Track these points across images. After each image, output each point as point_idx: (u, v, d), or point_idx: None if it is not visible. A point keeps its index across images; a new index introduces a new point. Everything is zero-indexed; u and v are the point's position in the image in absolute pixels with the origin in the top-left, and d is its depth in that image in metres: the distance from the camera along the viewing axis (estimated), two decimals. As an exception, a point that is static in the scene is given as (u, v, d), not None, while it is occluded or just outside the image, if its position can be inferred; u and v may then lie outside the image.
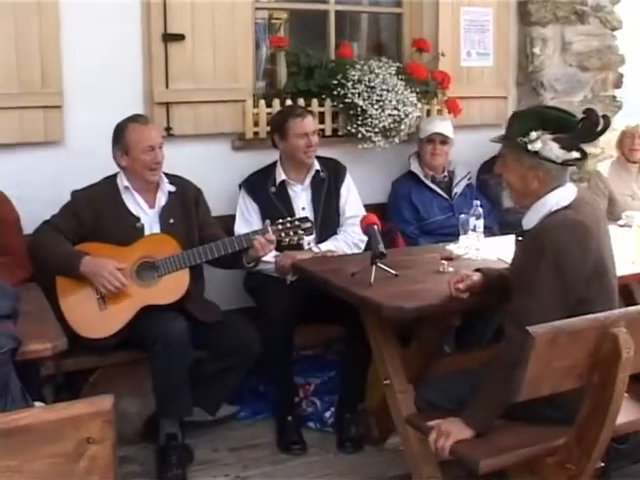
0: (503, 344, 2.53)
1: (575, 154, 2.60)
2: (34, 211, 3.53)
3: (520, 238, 2.76)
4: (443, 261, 3.38)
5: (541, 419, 2.63)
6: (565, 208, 2.62)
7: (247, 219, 3.90)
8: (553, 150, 2.58)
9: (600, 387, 2.38)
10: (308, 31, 4.76)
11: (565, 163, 2.63)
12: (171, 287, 3.40)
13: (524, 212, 4.39)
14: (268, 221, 3.53)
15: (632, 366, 2.36)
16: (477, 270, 3.00)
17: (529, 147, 2.60)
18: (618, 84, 5.13)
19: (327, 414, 3.87)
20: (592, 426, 2.42)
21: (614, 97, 5.10)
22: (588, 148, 2.65)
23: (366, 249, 3.95)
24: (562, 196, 2.64)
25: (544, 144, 2.58)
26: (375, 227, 3.32)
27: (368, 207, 4.13)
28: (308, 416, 3.88)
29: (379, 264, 3.19)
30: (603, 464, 2.75)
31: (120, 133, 3.49)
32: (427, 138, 4.30)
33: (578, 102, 4.91)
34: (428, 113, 4.54)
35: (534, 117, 2.70)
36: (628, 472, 3.37)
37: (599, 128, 2.58)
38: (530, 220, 2.71)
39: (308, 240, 3.85)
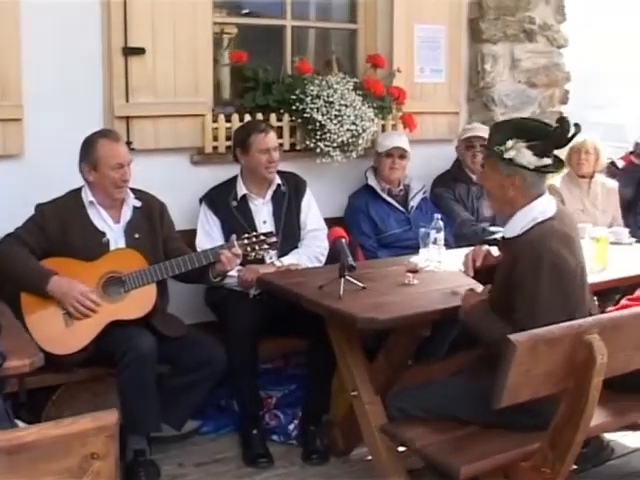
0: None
1: (547, 160, 2.71)
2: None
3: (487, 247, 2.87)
4: (408, 273, 3.45)
5: (515, 426, 2.71)
6: (551, 219, 2.71)
7: (209, 233, 3.90)
8: (526, 157, 2.69)
9: (576, 392, 2.46)
10: (258, 46, 4.77)
11: (538, 170, 2.72)
12: (138, 302, 3.38)
13: (478, 225, 4.54)
14: (234, 235, 3.55)
15: (606, 371, 2.45)
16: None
17: (504, 155, 2.69)
18: (564, 100, 5.30)
19: (291, 427, 3.88)
20: (567, 430, 2.51)
21: (561, 113, 5.25)
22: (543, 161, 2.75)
23: (328, 262, 4.01)
24: (547, 207, 2.74)
25: (517, 151, 2.68)
26: (343, 240, 3.37)
27: (326, 221, 4.18)
28: (272, 429, 3.88)
29: (347, 277, 3.23)
30: (576, 467, 2.84)
31: (89, 148, 3.45)
32: (386, 152, 4.36)
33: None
34: (383, 128, 4.62)
35: (510, 127, 2.83)
36: (590, 475, 3.48)
37: (570, 134, 2.69)
38: (513, 229, 2.79)
39: (270, 254, 3.88)
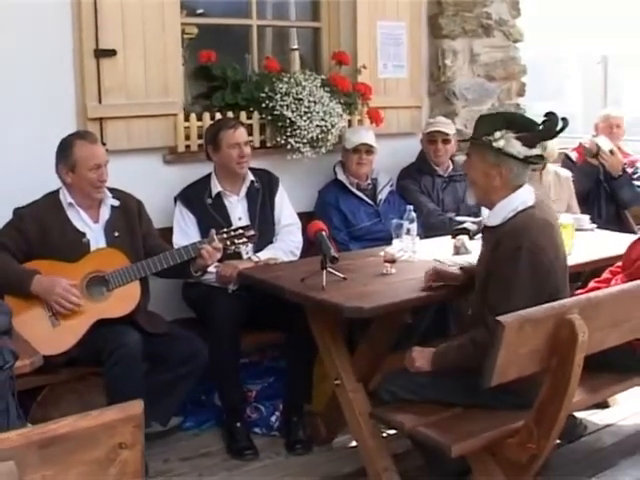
0: (481, 330, 2.72)
1: (536, 151, 2.83)
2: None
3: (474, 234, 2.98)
4: (386, 263, 3.55)
5: (499, 406, 2.84)
6: (531, 207, 2.85)
7: (185, 231, 3.95)
8: (516, 147, 2.81)
9: (559, 369, 2.59)
10: (218, 46, 4.80)
11: (527, 159, 2.84)
12: (123, 300, 3.42)
13: (445, 215, 4.66)
14: (213, 230, 3.60)
15: (587, 349, 2.59)
16: (460, 268, 3.24)
17: (493, 144, 2.81)
18: (521, 92, 5.45)
19: (273, 418, 3.96)
20: (551, 406, 2.63)
21: (518, 105, 5.41)
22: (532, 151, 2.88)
23: (303, 255, 4.10)
24: (528, 196, 2.86)
25: (507, 141, 2.80)
26: (324, 233, 3.45)
27: (297, 215, 4.26)
28: (254, 422, 3.95)
29: (329, 269, 3.32)
30: (559, 441, 2.98)
31: (67, 149, 3.47)
32: (354, 148, 4.45)
33: (487, 110, 5.20)
34: (350, 123, 4.71)
35: (499, 118, 2.94)
36: (564, 451, 3.63)
37: (558, 128, 2.82)
38: (495, 218, 2.91)
39: (246, 250, 3.95)
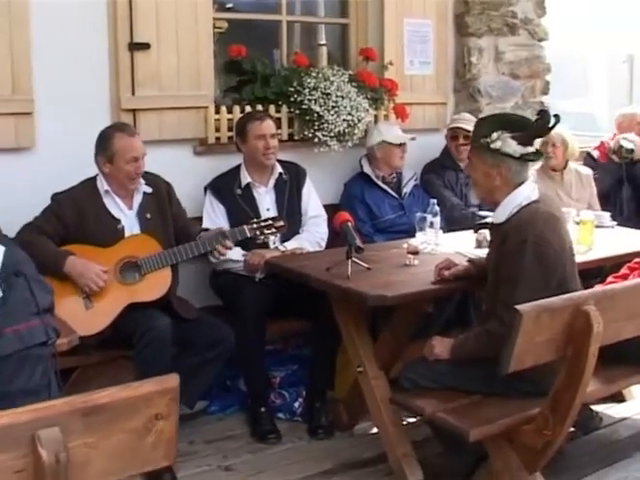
0: (495, 323, 2.82)
1: (531, 149, 2.95)
2: (8, 216, 3.59)
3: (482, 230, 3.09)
4: (409, 255, 3.64)
5: (516, 394, 2.93)
6: (535, 202, 2.93)
7: (214, 220, 4.05)
8: (512, 146, 2.92)
9: (574, 358, 2.67)
10: (247, 41, 4.92)
11: (523, 157, 2.94)
12: (155, 285, 3.54)
13: (468, 209, 4.75)
14: (245, 226, 3.73)
15: (601, 339, 2.67)
16: (469, 261, 3.32)
17: (491, 146, 2.92)
18: (545, 91, 5.52)
19: (296, 404, 4.06)
20: (566, 394, 2.72)
21: (542, 103, 5.48)
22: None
23: (328, 247, 4.21)
24: (530, 192, 2.98)
25: (503, 142, 2.92)
26: (349, 224, 3.55)
27: (323, 207, 4.37)
28: (278, 407, 4.06)
29: (354, 258, 3.42)
30: (574, 429, 3.07)
31: (106, 141, 3.58)
32: (399, 143, 4.58)
33: (510, 107, 5.29)
34: (376, 119, 4.81)
35: (494, 120, 3.07)
36: (579, 442, 3.72)
37: (551, 124, 2.92)
38: (500, 215, 3.02)
39: (274, 240, 4.05)
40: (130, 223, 3.67)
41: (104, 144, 3.59)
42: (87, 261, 3.46)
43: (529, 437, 2.83)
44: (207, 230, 3.80)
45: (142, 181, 3.71)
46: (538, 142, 5.05)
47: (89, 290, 3.44)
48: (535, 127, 2.99)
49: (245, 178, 4.12)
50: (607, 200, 5.32)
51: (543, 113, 3.00)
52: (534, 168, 5.17)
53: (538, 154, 3.06)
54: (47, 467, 1.68)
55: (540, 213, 2.92)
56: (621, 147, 5.41)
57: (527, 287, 2.82)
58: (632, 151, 5.38)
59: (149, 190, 3.73)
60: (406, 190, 4.68)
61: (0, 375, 1.98)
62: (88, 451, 1.79)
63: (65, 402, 1.74)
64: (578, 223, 4.07)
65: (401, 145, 4.60)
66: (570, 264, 2.98)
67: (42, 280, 2.19)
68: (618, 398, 4.15)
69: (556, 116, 2.98)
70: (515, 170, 2.99)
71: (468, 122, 4.87)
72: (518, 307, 2.53)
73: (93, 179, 3.68)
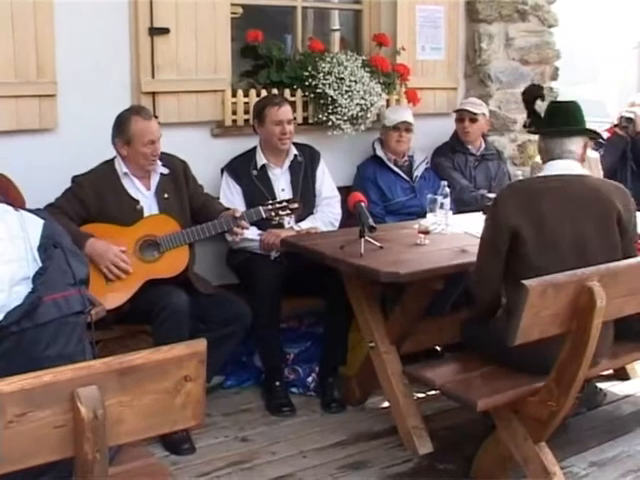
0: None
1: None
2: (30, 195, 3.72)
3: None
4: (420, 234, 3.76)
5: (523, 368, 3.04)
6: (545, 177, 3.07)
7: (231, 200, 4.17)
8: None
9: (579, 332, 2.78)
10: (262, 25, 5.02)
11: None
12: (172, 262, 3.67)
13: (477, 191, 4.85)
14: (260, 207, 3.86)
15: (604, 314, 2.79)
16: None
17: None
18: (554, 76, 5.61)
19: (309, 379, 4.19)
20: (571, 366, 2.82)
21: (551, 89, 5.58)
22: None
23: (342, 225, 4.33)
24: (554, 169, 3.08)
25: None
26: (363, 204, 3.68)
27: (337, 189, 4.49)
28: (291, 382, 4.19)
29: (367, 237, 3.54)
30: (579, 404, 3.18)
31: (123, 124, 3.70)
32: (394, 126, 4.66)
33: (520, 92, 5.38)
34: (388, 103, 4.91)
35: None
36: (583, 418, 3.84)
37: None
38: None
39: (288, 220, 4.18)
40: (149, 203, 3.79)
41: (121, 127, 3.70)
42: (106, 242, 3.57)
43: (534, 408, 2.95)
44: (229, 209, 3.91)
45: (159, 162, 3.83)
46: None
47: (108, 273, 3.55)
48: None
49: (261, 159, 4.24)
50: (613, 179, 5.42)
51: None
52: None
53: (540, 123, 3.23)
54: (86, 423, 1.80)
55: (514, 185, 3.11)
56: (622, 117, 5.59)
57: (480, 251, 3.12)
58: (631, 120, 5.54)
59: (166, 171, 3.84)
60: (417, 173, 4.78)
61: (38, 341, 2.08)
62: (123, 409, 1.92)
63: (103, 363, 1.87)
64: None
65: (397, 129, 4.67)
66: (546, 249, 3.00)
67: (78, 252, 2.29)
68: (622, 376, 4.28)
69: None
70: (543, 146, 3.19)
71: (474, 105, 4.98)
72: (525, 282, 2.64)
73: (111, 161, 3.79)
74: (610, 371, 4.09)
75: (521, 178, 3.15)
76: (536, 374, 2.99)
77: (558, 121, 3.14)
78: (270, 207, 3.86)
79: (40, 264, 2.11)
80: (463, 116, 4.98)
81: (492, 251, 3.06)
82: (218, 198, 4.18)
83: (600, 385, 4.06)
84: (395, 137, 4.67)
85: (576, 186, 3.09)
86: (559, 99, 3.19)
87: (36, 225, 2.19)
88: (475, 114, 4.93)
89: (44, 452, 1.82)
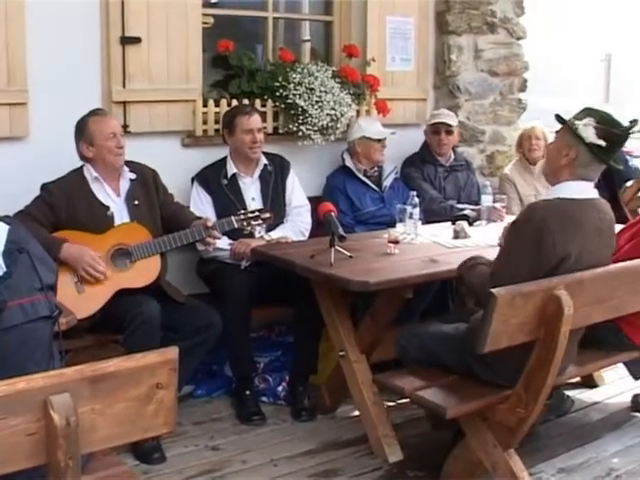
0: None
1: (601, 142, 2.91)
2: (1, 203, 3.68)
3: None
4: (390, 244, 3.80)
5: (490, 380, 3.08)
6: (569, 200, 2.94)
7: (201, 209, 4.18)
8: (588, 132, 2.91)
9: (546, 340, 2.83)
10: (233, 36, 5.04)
11: (591, 146, 2.92)
12: (145, 271, 3.67)
13: (446, 202, 4.89)
14: (232, 217, 3.88)
15: (572, 322, 2.83)
16: None
17: (573, 126, 2.95)
18: (523, 88, 5.68)
19: (279, 388, 4.20)
20: (539, 374, 2.87)
21: (519, 100, 5.66)
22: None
23: (312, 235, 4.35)
24: (579, 189, 2.97)
25: (585, 126, 2.91)
26: (332, 214, 3.70)
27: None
28: (262, 391, 4.19)
29: (337, 247, 3.57)
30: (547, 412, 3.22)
31: (83, 127, 3.74)
32: (378, 139, 4.71)
33: (489, 104, 5.47)
34: (358, 113, 4.95)
35: (596, 113, 3.02)
36: (552, 425, 3.89)
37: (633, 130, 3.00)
38: (543, 195, 3.14)
39: (259, 229, 4.19)
40: (119, 209, 3.79)
41: (82, 130, 3.75)
42: (82, 246, 3.57)
43: (503, 415, 2.99)
44: (200, 218, 3.92)
45: (126, 168, 3.84)
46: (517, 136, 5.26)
47: (86, 275, 3.55)
48: (621, 129, 2.99)
49: (231, 169, 4.26)
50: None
51: (635, 121, 3.01)
52: (512, 163, 5.37)
53: (606, 152, 2.96)
54: (59, 430, 1.81)
55: (560, 210, 2.91)
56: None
57: (514, 262, 2.91)
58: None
59: (133, 176, 3.86)
60: (386, 183, 4.82)
61: (6, 346, 2.08)
62: (95, 417, 1.92)
63: (75, 370, 1.87)
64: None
65: (380, 140, 4.73)
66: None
67: (46, 258, 2.28)
68: (590, 384, 4.35)
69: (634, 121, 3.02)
70: (582, 160, 2.94)
71: (449, 117, 5.04)
72: (493, 290, 2.68)
73: (80, 169, 3.80)
74: (577, 379, 4.17)
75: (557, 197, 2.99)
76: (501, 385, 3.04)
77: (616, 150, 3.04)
78: (242, 217, 3.88)
79: (5, 269, 2.11)
80: (439, 128, 5.01)
81: (528, 267, 2.90)
82: (189, 207, 4.19)
83: (568, 392, 4.12)
84: (378, 148, 4.73)
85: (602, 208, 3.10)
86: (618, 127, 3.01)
87: (1, 231, 2.20)
88: (451, 126, 4.99)
89: (17, 459, 1.82)
